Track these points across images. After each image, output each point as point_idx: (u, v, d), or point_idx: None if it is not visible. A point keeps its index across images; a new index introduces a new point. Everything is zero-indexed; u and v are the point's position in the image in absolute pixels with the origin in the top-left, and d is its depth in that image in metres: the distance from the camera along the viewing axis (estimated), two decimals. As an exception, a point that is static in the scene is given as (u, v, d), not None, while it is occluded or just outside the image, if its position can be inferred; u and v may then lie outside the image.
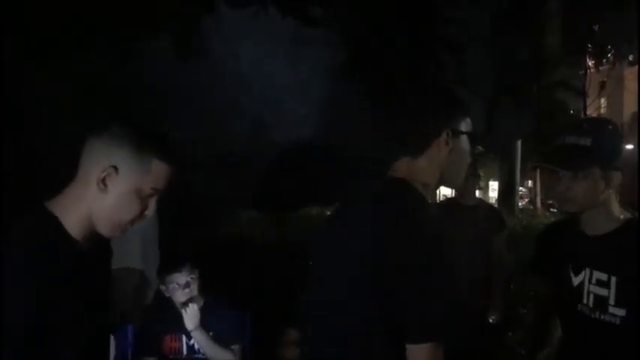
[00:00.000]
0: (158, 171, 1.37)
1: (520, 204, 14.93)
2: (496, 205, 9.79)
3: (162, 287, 2.74)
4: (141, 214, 1.39)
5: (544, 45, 10.06)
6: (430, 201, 1.62)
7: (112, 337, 2.41)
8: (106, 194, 1.34)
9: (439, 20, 8.31)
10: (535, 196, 18.80)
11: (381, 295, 1.36)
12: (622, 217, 1.79)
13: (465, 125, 1.59)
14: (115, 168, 1.33)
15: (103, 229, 1.37)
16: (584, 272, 1.79)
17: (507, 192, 12.48)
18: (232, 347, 2.74)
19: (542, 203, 17.42)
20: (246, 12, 8.60)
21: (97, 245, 1.42)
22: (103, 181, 1.34)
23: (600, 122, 1.96)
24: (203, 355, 2.71)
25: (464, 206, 3.72)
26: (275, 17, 9.06)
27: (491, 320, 3.58)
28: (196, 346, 2.71)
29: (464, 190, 3.73)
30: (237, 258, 4.94)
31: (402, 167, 1.55)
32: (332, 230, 1.57)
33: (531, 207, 17.80)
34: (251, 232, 7.30)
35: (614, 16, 9.96)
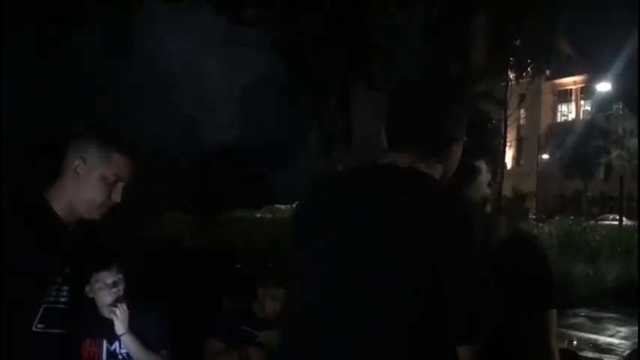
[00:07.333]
0: (118, 161, 1.79)
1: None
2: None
3: (87, 287, 2.62)
4: (109, 198, 1.78)
5: (470, 58, 10.42)
6: None
7: None
8: (78, 181, 1.76)
9: (371, 27, 8.44)
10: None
11: (432, 294, 1.28)
12: None
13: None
14: (83, 159, 1.76)
15: (82, 211, 1.78)
16: None
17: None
18: (162, 352, 2.68)
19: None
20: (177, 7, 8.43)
21: (88, 230, 1.84)
22: (76, 169, 1.76)
23: (483, 115, 1.99)
24: (125, 359, 2.64)
25: None
26: (208, 15, 8.92)
27: None
28: (117, 351, 2.63)
29: None
30: (161, 261, 4.83)
31: (409, 163, 1.43)
32: (349, 224, 1.38)
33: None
34: (177, 235, 7.17)
35: (532, 34, 10.47)
